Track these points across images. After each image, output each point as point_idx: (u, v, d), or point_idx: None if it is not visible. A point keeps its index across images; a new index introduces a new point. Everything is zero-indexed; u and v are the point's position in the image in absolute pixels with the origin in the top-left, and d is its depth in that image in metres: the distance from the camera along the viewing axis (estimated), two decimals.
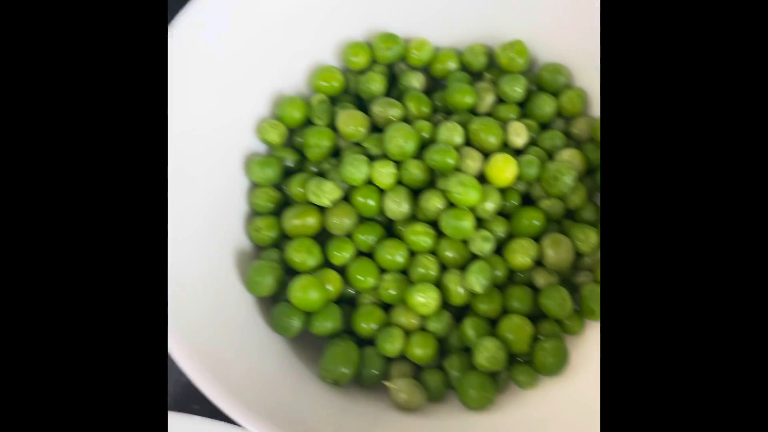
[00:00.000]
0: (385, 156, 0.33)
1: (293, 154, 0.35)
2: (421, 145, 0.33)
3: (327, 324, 0.30)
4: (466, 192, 0.30)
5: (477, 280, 0.30)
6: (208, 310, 0.28)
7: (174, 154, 0.29)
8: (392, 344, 0.30)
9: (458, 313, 0.32)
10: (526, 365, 0.30)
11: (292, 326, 0.30)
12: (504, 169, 0.32)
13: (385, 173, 0.32)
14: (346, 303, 0.32)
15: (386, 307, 0.32)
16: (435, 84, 0.38)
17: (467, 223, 0.30)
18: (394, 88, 0.37)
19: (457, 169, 0.32)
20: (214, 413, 0.29)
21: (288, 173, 0.35)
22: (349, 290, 0.32)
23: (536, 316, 0.31)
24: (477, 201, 0.31)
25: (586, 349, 0.30)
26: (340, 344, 0.29)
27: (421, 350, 0.30)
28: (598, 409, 0.26)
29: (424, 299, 0.30)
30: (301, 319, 0.30)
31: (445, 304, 0.31)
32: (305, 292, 0.29)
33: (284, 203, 0.34)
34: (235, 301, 0.30)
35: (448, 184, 0.31)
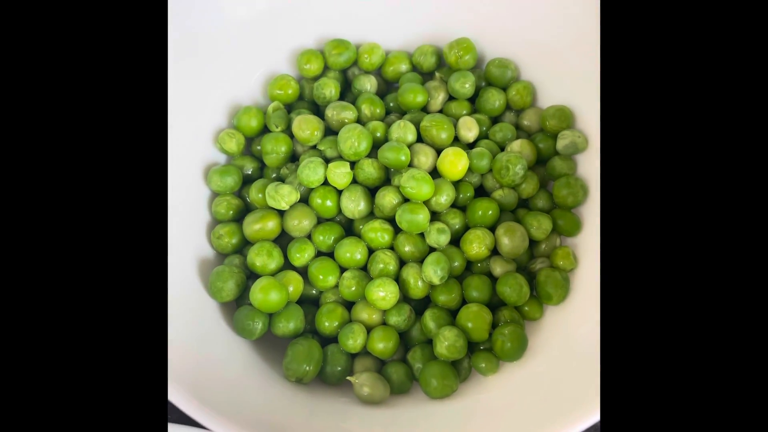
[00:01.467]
0: (340, 157, 0.33)
1: (252, 162, 0.36)
2: (375, 145, 0.34)
3: (290, 324, 0.30)
4: (419, 186, 0.31)
5: (434, 271, 0.30)
6: (172, 318, 0.28)
7: None
8: (354, 340, 0.30)
9: (419, 306, 0.32)
10: (487, 352, 0.30)
11: (255, 328, 0.30)
12: (455, 163, 0.32)
13: (340, 173, 0.32)
14: (310, 303, 0.33)
15: (349, 305, 0.32)
16: (388, 87, 0.39)
17: (422, 216, 0.31)
18: (349, 93, 0.38)
19: (411, 166, 0.33)
20: (182, 419, 0.30)
21: (248, 181, 0.35)
22: (312, 291, 0.33)
23: (495, 304, 0.32)
24: (430, 194, 0.31)
25: (546, 334, 0.31)
26: (302, 343, 0.30)
27: (382, 344, 0.30)
28: (558, 390, 0.27)
29: (384, 293, 0.30)
30: (264, 321, 0.30)
31: (406, 299, 0.32)
32: (266, 294, 0.30)
33: (245, 210, 0.35)
34: (198, 308, 0.31)
35: (402, 179, 0.31)
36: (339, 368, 0.30)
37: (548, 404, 0.27)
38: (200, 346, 0.29)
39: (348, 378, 0.30)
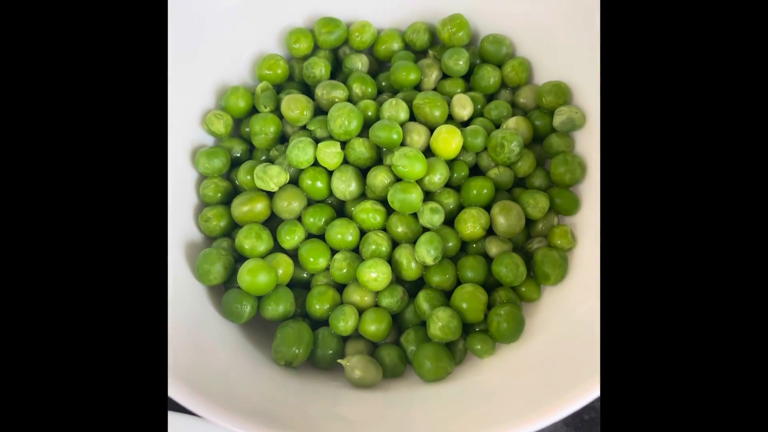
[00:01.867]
0: (330, 137, 0.33)
1: (241, 144, 0.35)
2: (367, 124, 0.33)
3: (279, 307, 0.30)
4: (411, 164, 0.30)
5: (427, 251, 0.29)
6: None
7: None
8: (345, 322, 0.29)
9: (414, 288, 0.31)
10: (483, 334, 0.29)
11: (244, 311, 0.29)
12: (449, 140, 0.31)
13: (330, 153, 0.31)
14: (302, 286, 0.32)
15: (341, 287, 0.31)
16: (381, 66, 0.38)
17: (415, 195, 0.30)
18: (340, 73, 0.37)
19: (403, 144, 0.32)
20: (171, 405, 0.29)
21: (237, 164, 0.35)
22: (303, 274, 0.32)
23: (492, 285, 0.31)
24: (423, 173, 0.30)
25: (544, 314, 0.30)
26: (291, 325, 0.29)
27: (374, 326, 0.29)
28: (556, 370, 0.26)
29: (375, 274, 0.29)
30: (252, 304, 0.29)
31: (400, 281, 0.31)
32: (254, 276, 0.29)
33: (234, 193, 0.34)
34: (186, 292, 0.30)
35: (393, 158, 0.30)
36: (330, 351, 0.29)
37: (546, 384, 0.26)
38: (187, 330, 0.28)
39: (339, 361, 0.29)
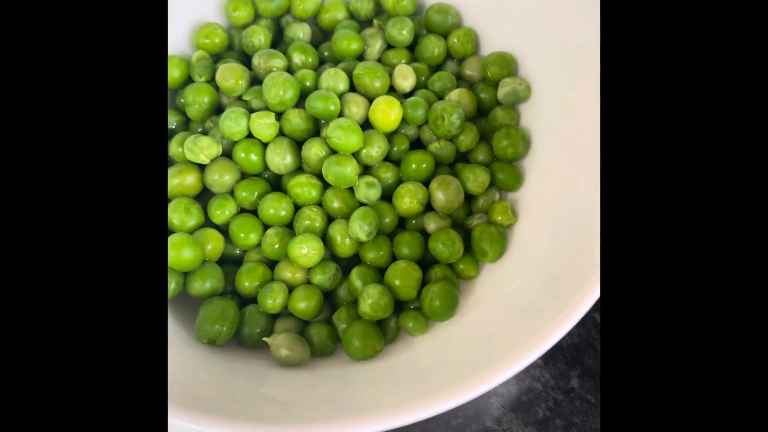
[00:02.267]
0: (266, 108, 0.31)
1: (175, 115, 0.33)
2: (305, 95, 0.31)
3: (206, 284, 0.28)
4: (346, 136, 0.29)
5: (360, 227, 0.28)
6: None
7: None
8: (273, 299, 0.28)
9: (351, 265, 0.30)
10: (416, 311, 0.28)
11: (168, 288, 0.28)
12: (387, 112, 0.30)
13: (264, 124, 0.30)
14: (234, 263, 0.31)
15: (273, 264, 0.30)
16: (326, 36, 0.37)
17: (350, 169, 0.29)
18: (282, 43, 0.36)
19: (341, 116, 0.31)
20: None
21: (172, 136, 0.33)
22: (236, 251, 0.31)
23: (430, 262, 0.30)
24: (359, 145, 0.29)
25: (479, 292, 0.29)
26: (215, 302, 0.28)
27: (304, 303, 0.28)
28: (486, 346, 0.25)
29: (306, 250, 0.28)
30: (177, 280, 0.28)
31: (335, 258, 0.30)
32: (178, 251, 0.28)
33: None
34: None
35: (328, 129, 0.29)
36: (258, 330, 0.28)
37: (476, 359, 0.25)
38: None
39: (264, 339, 0.28)
